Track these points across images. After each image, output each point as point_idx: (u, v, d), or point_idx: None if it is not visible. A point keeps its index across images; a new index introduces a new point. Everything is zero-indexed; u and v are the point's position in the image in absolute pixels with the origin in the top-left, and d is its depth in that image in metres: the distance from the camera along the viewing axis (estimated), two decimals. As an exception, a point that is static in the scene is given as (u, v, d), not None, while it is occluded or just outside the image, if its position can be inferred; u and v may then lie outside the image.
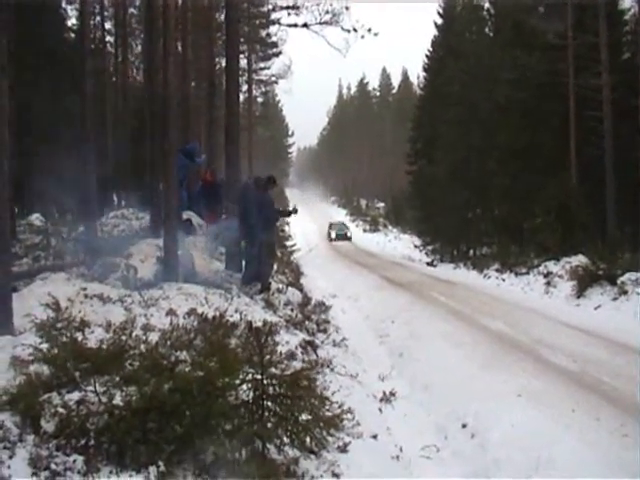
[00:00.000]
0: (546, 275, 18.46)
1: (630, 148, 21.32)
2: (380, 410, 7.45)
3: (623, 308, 13.37)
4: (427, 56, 45.41)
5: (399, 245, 50.12)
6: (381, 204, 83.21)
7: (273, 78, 41.21)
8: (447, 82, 34.75)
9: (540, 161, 25.32)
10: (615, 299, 14.00)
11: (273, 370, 4.54)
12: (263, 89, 45.26)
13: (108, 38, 34.12)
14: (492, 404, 7.05)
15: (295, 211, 13.32)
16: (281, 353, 5.25)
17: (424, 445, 6.34)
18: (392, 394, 7.92)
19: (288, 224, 40.78)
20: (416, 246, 39.99)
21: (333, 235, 55.58)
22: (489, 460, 5.85)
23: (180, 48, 22.96)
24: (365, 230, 65.36)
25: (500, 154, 28.15)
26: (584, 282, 15.39)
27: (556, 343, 10.18)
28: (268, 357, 4.51)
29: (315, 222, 61.05)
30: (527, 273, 20.25)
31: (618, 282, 14.36)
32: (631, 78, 21.29)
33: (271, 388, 4.46)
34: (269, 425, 4.40)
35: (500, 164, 28.22)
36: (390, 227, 66.01)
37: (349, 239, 54.53)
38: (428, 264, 33.53)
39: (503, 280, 21.29)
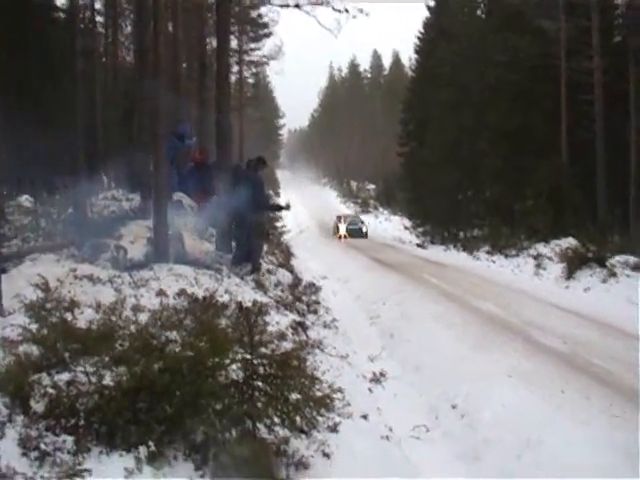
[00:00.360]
0: (536, 257, 18.57)
1: (620, 131, 21.37)
2: (370, 390, 7.48)
3: (612, 290, 13.48)
4: (419, 38, 45.09)
5: (389, 227, 50.20)
6: (372, 186, 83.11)
7: (264, 59, 41.14)
8: (438, 64, 34.60)
9: (531, 143, 25.37)
10: (604, 281, 14.09)
11: (263, 350, 4.53)
12: (254, 70, 45.13)
13: (98, 18, 33.75)
14: (483, 385, 7.07)
15: (288, 207, 12.87)
16: (271, 333, 5.24)
17: (414, 425, 6.37)
18: (382, 374, 7.96)
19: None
20: (406, 228, 40.05)
21: (342, 230, 41.67)
22: (479, 440, 5.88)
23: (171, 28, 22.73)
24: (356, 212, 65.18)
25: (491, 135, 28.17)
26: (574, 264, 15.48)
27: (546, 324, 10.24)
28: (258, 337, 4.50)
29: (306, 206, 60.44)
30: (517, 255, 20.39)
31: (607, 264, 14.46)
32: (622, 61, 21.32)
33: (261, 368, 4.45)
34: (259, 405, 4.39)
35: (491, 145, 28.25)
36: (381, 209, 66.03)
37: (365, 236, 41.15)
38: (418, 246, 33.63)
39: (493, 262, 21.40)
